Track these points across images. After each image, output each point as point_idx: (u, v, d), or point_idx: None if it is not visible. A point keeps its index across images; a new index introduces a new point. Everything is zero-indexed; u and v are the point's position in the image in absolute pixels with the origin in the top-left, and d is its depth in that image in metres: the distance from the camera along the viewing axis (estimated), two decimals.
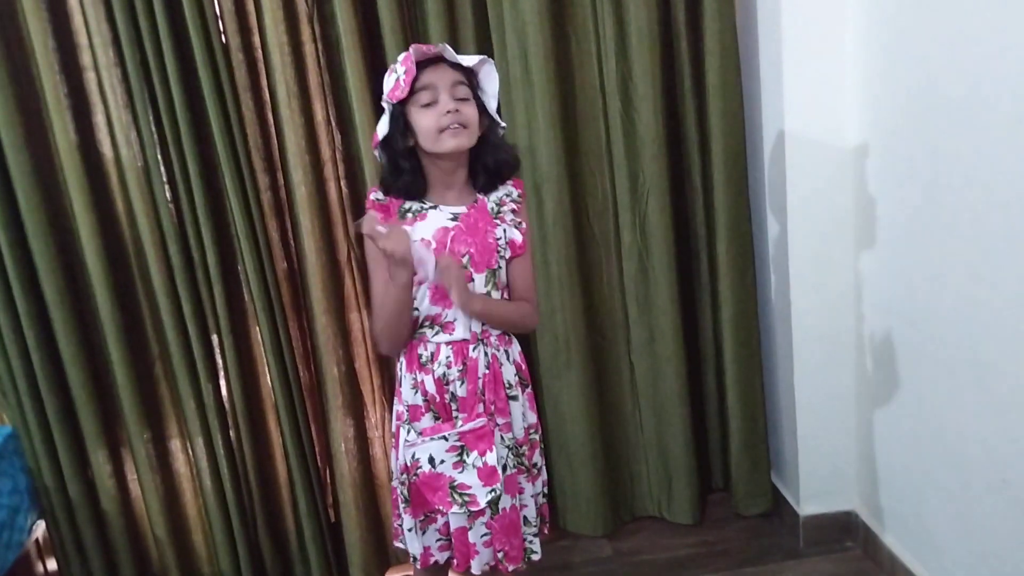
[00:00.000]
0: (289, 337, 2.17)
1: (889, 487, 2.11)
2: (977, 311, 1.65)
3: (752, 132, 2.20)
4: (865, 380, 2.14)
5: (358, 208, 2.10)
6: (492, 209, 1.61)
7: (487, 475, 1.59)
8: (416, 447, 1.61)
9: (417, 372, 1.60)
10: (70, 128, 2.01)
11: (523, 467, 1.68)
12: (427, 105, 1.49)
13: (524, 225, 1.65)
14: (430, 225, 1.57)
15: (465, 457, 1.59)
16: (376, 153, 1.58)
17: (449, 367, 1.57)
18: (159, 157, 2.03)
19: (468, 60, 1.52)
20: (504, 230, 1.60)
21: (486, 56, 1.54)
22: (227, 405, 2.20)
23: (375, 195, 1.60)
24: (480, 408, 1.58)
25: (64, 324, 2.07)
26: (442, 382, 1.58)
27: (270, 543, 2.29)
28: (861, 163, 2.00)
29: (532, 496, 1.70)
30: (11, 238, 2.00)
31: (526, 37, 2.07)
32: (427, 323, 1.60)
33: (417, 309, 1.59)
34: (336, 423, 2.22)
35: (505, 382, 1.62)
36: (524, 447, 1.68)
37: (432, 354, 1.59)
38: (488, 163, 1.59)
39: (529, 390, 1.71)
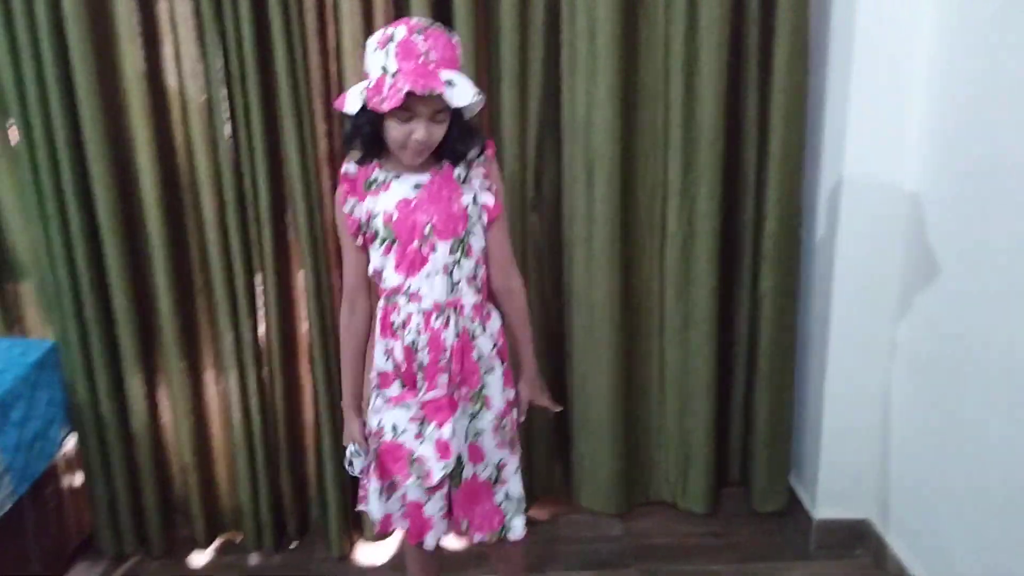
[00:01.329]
0: (331, 285, 2.20)
1: (907, 499, 2.10)
2: (1015, 335, 1.65)
3: (812, 133, 2.18)
4: (894, 391, 2.13)
5: None
6: (459, 175, 1.58)
7: (442, 448, 1.59)
8: (381, 413, 1.64)
9: (389, 338, 1.60)
10: (139, 56, 2.03)
11: (504, 440, 1.69)
12: (401, 119, 1.45)
13: (495, 187, 1.61)
14: (392, 196, 1.56)
15: (424, 429, 1.60)
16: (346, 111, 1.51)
17: (419, 334, 1.57)
18: (224, 92, 2.05)
19: (464, 99, 1.43)
20: (475, 196, 1.58)
21: (482, 93, 1.46)
22: (263, 344, 2.24)
23: (347, 167, 1.59)
24: (444, 379, 1.58)
25: (114, 247, 2.11)
26: (411, 349, 1.58)
27: (290, 483, 2.34)
28: (918, 177, 1.98)
29: (515, 472, 1.73)
30: (72, 158, 2.04)
31: (596, 11, 2.05)
32: (395, 293, 1.60)
33: (384, 280, 1.60)
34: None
35: (476, 354, 1.61)
36: (506, 419, 1.69)
37: (403, 321, 1.58)
38: (454, 148, 1.55)
39: (506, 366, 1.69)
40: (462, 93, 1.43)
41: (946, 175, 1.89)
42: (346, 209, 1.60)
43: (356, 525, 2.39)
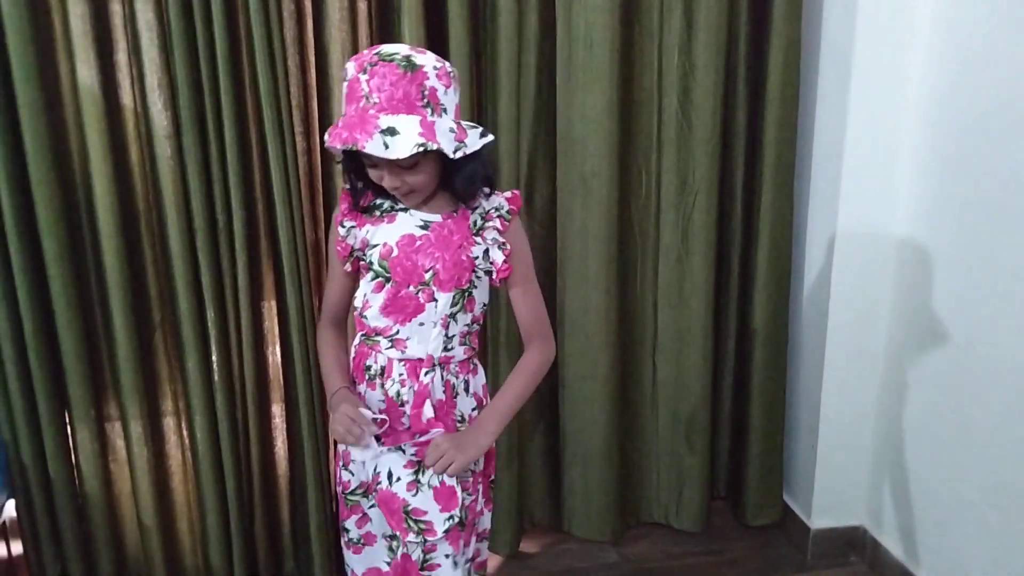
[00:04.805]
0: (314, 311, 2.01)
1: (903, 504, 2.14)
2: (1003, 344, 1.73)
3: (804, 146, 2.19)
4: (887, 399, 2.16)
5: None
6: (475, 223, 1.40)
7: (446, 497, 1.40)
8: (379, 457, 1.41)
9: (363, 385, 1.44)
10: (92, 68, 1.79)
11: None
12: (371, 166, 1.30)
13: (511, 246, 1.40)
14: (397, 229, 1.38)
15: (421, 476, 1.39)
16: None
17: (403, 385, 1.40)
18: (192, 107, 1.83)
19: (403, 150, 1.19)
20: (486, 249, 1.40)
21: (425, 142, 1.19)
22: (236, 384, 2.02)
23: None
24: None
25: (61, 282, 1.84)
26: (395, 402, 1.40)
27: (266, 537, 2.12)
28: (912, 190, 2.02)
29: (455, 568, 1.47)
30: (12, 182, 1.76)
31: (594, 22, 1.98)
32: (375, 335, 1.42)
33: (366, 317, 1.41)
34: None
35: (458, 415, 1.44)
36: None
37: (383, 368, 1.41)
38: (457, 188, 1.36)
39: None
40: (403, 143, 1.19)
41: (940, 204, 1.94)
42: (341, 232, 1.43)
43: None
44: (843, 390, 2.18)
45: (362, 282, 1.43)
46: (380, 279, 1.38)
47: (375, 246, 1.39)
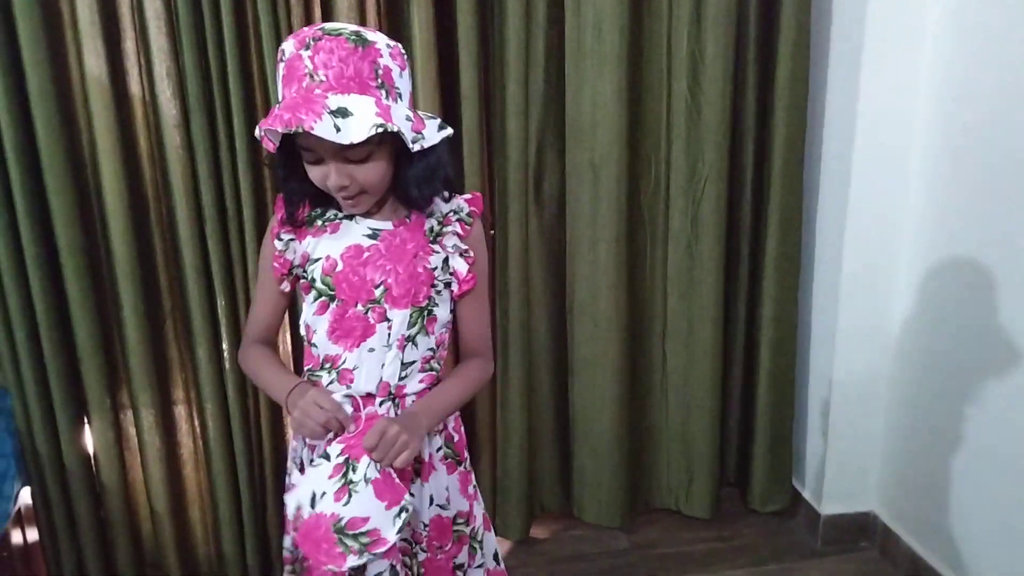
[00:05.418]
0: None
1: (915, 489, 2.13)
2: (1018, 326, 1.71)
3: (814, 131, 2.16)
4: (899, 384, 2.15)
5: None
6: (431, 229, 1.24)
7: (390, 489, 1.09)
8: (295, 490, 1.12)
9: (299, 442, 1.29)
10: (101, 56, 1.78)
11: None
12: (312, 162, 1.13)
13: (473, 254, 1.25)
14: (341, 241, 1.21)
15: (351, 475, 1.09)
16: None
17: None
18: (199, 95, 1.83)
19: (357, 133, 1.03)
20: (446, 258, 1.24)
21: (384, 123, 1.04)
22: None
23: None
24: None
25: (74, 271, 1.85)
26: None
27: (279, 524, 2.13)
28: (925, 174, 2.00)
29: None
30: (24, 170, 1.77)
31: (603, 7, 1.96)
32: (326, 364, 1.24)
33: (315, 345, 1.24)
34: None
35: (422, 455, 1.26)
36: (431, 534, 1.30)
37: None
38: (409, 191, 1.18)
39: (464, 468, 1.35)
40: (357, 125, 1.03)
41: (952, 188, 1.92)
42: (278, 246, 1.24)
43: None
44: (855, 375, 2.17)
45: (304, 305, 1.26)
46: (323, 299, 1.21)
47: (316, 260, 1.22)
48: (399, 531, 1.08)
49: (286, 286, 1.29)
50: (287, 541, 1.29)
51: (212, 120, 1.84)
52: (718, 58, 2.05)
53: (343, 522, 1.06)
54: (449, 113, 1.98)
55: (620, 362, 2.21)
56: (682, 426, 2.36)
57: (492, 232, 2.11)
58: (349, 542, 1.05)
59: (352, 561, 1.05)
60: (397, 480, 1.12)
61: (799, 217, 2.19)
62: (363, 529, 1.06)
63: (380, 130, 1.04)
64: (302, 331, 1.27)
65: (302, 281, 1.25)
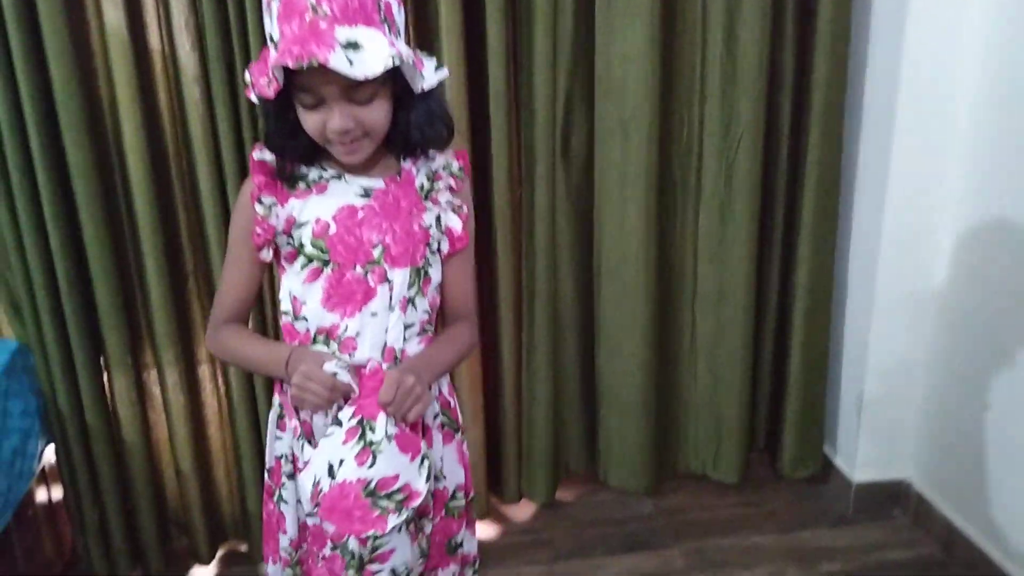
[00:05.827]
0: None
1: (952, 457, 2.07)
2: None
3: (854, 87, 2.07)
4: (939, 348, 2.08)
5: None
6: (422, 186, 1.19)
7: (412, 442, 1.08)
8: (308, 467, 1.08)
9: (295, 420, 1.20)
10: (119, 10, 1.74)
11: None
12: (311, 106, 1.06)
13: (465, 209, 1.22)
14: (331, 202, 1.15)
15: (370, 435, 1.04)
16: (251, 98, 1.07)
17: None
18: (220, 49, 1.78)
19: (375, 65, 0.97)
20: (438, 216, 1.19)
21: (398, 54, 0.99)
22: (271, 330, 2.00)
23: (258, 153, 1.15)
24: None
25: (93, 228, 1.82)
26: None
27: None
28: (969, 132, 1.91)
29: None
30: (41, 127, 1.73)
31: None
32: (319, 337, 1.16)
33: (304, 319, 1.17)
34: None
35: (426, 420, 1.22)
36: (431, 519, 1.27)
37: None
38: (411, 136, 1.14)
39: (460, 437, 1.31)
40: (372, 57, 0.97)
41: (1001, 120, 1.83)
42: (259, 211, 1.14)
43: None
44: (892, 340, 2.11)
45: (284, 278, 1.19)
46: (315, 264, 1.15)
47: (303, 224, 1.15)
48: (427, 480, 1.07)
49: (267, 254, 1.19)
50: (284, 541, 1.27)
51: (232, 74, 1.79)
52: (754, 9, 1.96)
53: (373, 484, 1.03)
54: (475, 65, 1.92)
55: (648, 326, 2.16)
56: (711, 391, 2.31)
57: (518, 191, 2.05)
58: (384, 503, 1.04)
59: (393, 521, 1.04)
60: (409, 431, 1.09)
61: (837, 178, 2.11)
62: (396, 487, 1.05)
63: (396, 63, 0.98)
64: (284, 306, 1.19)
65: (285, 250, 1.17)
